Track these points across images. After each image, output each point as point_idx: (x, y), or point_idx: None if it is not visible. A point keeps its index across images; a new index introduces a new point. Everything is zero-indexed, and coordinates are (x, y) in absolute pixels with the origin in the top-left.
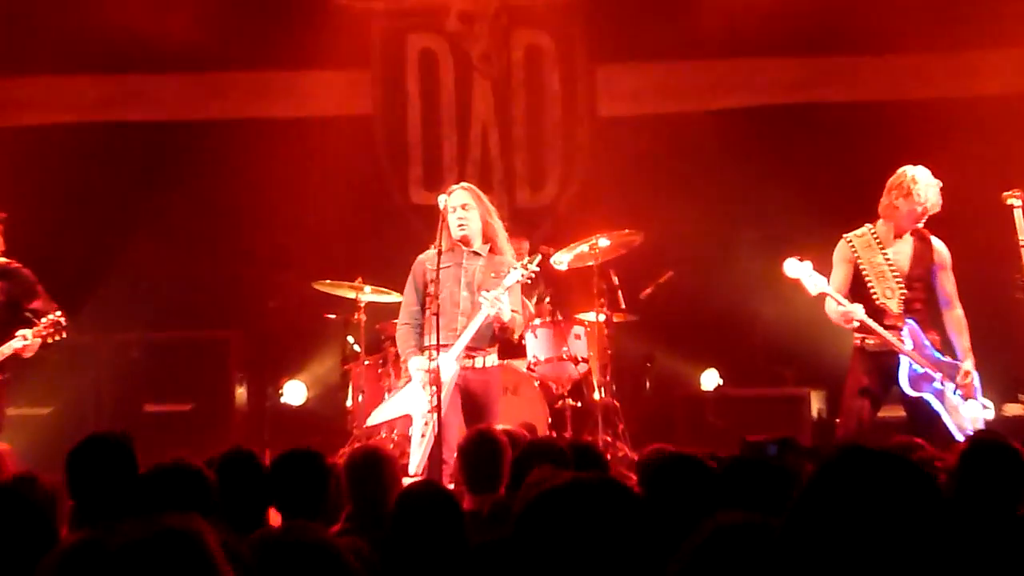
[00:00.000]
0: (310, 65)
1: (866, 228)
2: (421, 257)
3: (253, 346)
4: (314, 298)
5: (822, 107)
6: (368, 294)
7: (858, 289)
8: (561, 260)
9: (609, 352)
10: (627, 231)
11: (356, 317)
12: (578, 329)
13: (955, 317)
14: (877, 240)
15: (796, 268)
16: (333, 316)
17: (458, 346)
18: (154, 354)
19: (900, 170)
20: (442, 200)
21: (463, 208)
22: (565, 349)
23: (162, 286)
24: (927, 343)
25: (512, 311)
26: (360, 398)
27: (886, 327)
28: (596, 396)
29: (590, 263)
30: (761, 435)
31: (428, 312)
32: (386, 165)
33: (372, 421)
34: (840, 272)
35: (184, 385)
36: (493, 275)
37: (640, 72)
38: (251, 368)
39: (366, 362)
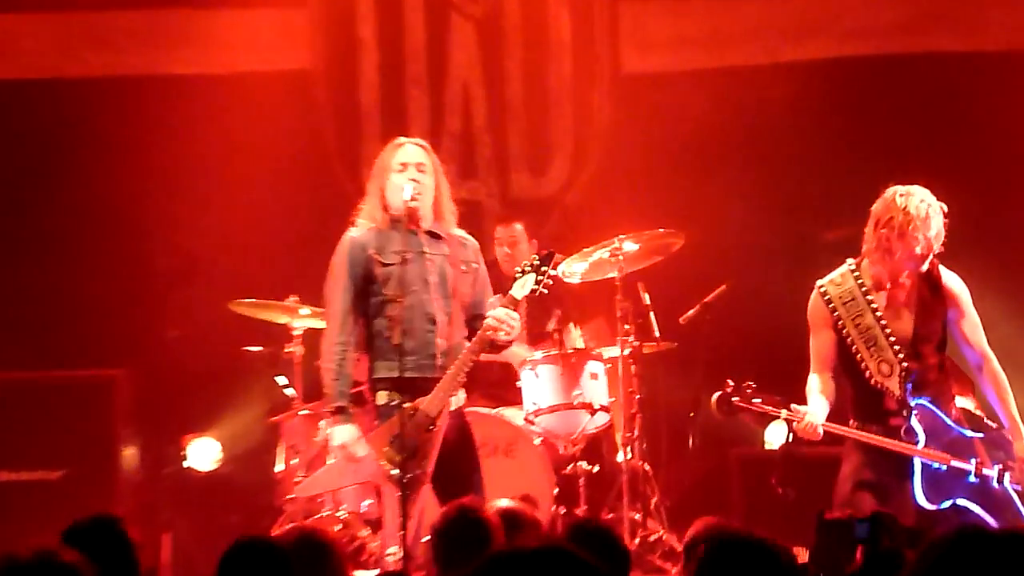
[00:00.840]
0: (224, 3)
1: (847, 268)
2: (356, 236)
3: (147, 390)
4: (231, 324)
5: (934, 58)
6: (305, 318)
7: (845, 363)
8: (573, 271)
9: (638, 397)
10: (662, 231)
11: (289, 350)
12: (595, 366)
13: (992, 376)
14: (864, 289)
15: (733, 401)
16: (257, 349)
17: (445, 391)
18: (9, 402)
19: (887, 195)
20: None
21: (419, 169)
22: (577, 393)
23: (20, 308)
24: (949, 422)
25: None
26: (294, 461)
27: (886, 414)
28: (620, 458)
29: (612, 275)
30: (845, 510)
31: (378, 325)
32: (331, 139)
33: (307, 490)
34: (821, 340)
35: (52, 445)
36: (463, 268)
37: (681, 12)
38: (144, 421)
39: (303, 412)
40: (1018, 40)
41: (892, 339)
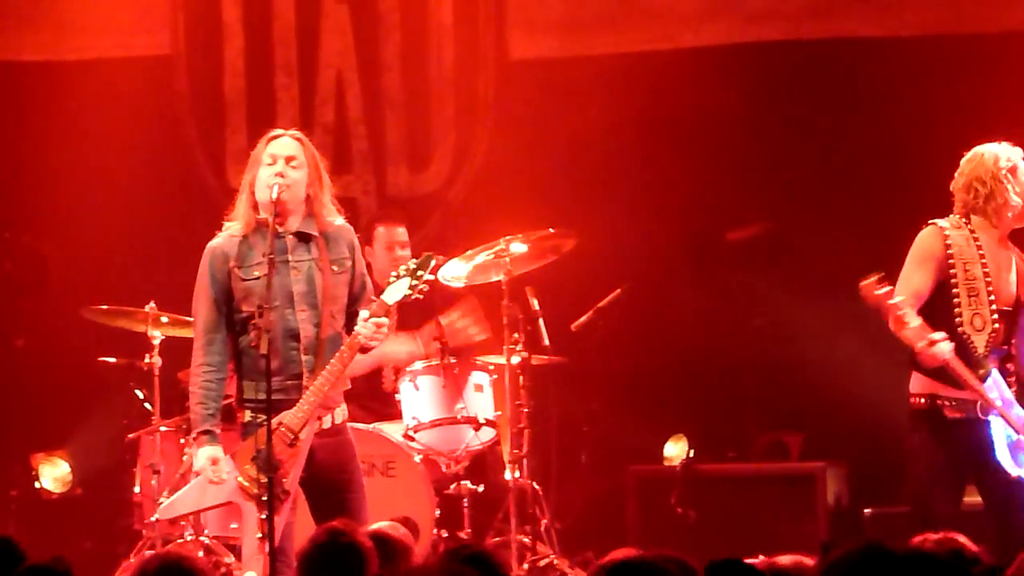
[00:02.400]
0: None
1: (959, 219)
2: (217, 246)
3: None
4: (84, 333)
5: (846, 44)
6: (165, 326)
7: (939, 308)
8: (456, 274)
9: (526, 411)
10: (552, 231)
11: (147, 361)
12: (480, 377)
13: None
14: (976, 242)
15: (880, 291)
16: (112, 360)
17: (311, 403)
18: None
19: (980, 151)
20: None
21: (289, 163)
22: (460, 407)
23: None
24: (1011, 397)
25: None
26: (154, 482)
27: (970, 365)
28: (507, 476)
29: (497, 278)
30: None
31: (243, 342)
32: (193, 131)
33: (169, 512)
34: (922, 276)
35: None
36: (335, 268)
37: None
38: None
39: (163, 428)
40: (934, 25)
41: (992, 297)
